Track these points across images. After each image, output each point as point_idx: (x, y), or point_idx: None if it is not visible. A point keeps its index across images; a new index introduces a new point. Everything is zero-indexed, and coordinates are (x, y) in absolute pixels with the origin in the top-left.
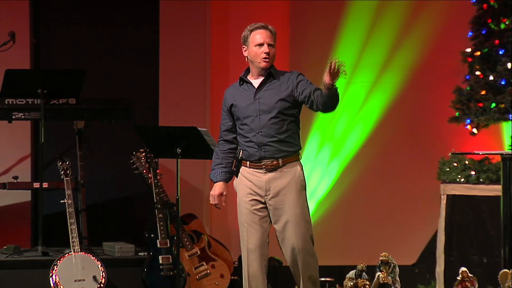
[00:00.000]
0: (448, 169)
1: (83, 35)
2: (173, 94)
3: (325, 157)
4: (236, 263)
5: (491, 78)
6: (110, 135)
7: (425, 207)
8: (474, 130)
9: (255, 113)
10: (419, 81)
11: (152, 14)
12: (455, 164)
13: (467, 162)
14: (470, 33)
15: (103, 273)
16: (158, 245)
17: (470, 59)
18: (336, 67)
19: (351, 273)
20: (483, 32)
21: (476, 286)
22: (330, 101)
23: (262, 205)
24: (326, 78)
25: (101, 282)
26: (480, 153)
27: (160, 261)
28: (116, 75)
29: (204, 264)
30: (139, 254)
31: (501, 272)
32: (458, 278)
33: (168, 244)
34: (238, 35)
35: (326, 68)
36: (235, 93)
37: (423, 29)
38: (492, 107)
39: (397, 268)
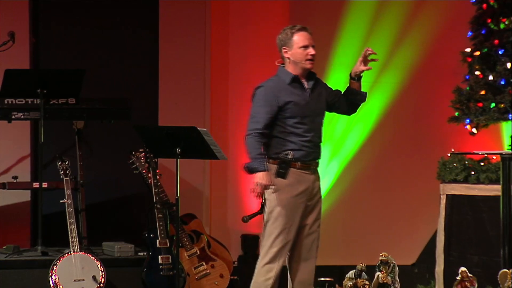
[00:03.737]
0: (448, 169)
1: (83, 35)
2: (172, 94)
3: (325, 157)
4: (236, 263)
5: (490, 78)
6: (109, 135)
7: (425, 207)
8: (474, 130)
9: (312, 113)
10: (418, 81)
11: (151, 15)
12: (455, 164)
13: (466, 162)
14: (469, 33)
15: (103, 273)
16: (158, 245)
17: (469, 59)
18: (369, 55)
19: (351, 273)
20: (483, 32)
21: (476, 286)
22: (360, 94)
23: (305, 206)
24: (360, 65)
25: (101, 282)
26: (480, 153)
27: (160, 261)
28: (116, 75)
29: (204, 264)
30: (139, 254)
31: (500, 272)
32: (458, 278)
33: (168, 244)
34: (238, 35)
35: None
36: (287, 90)
37: (423, 29)
38: (491, 107)
39: (397, 268)
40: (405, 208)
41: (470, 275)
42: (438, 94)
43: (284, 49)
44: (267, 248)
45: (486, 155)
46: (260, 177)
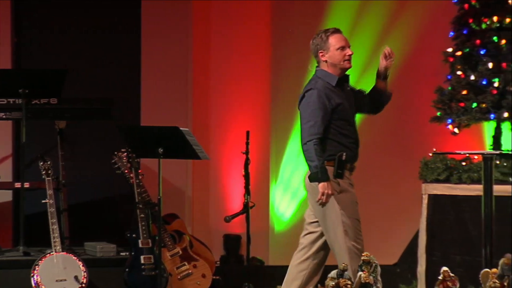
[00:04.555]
0: (430, 169)
1: (65, 35)
2: (155, 94)
3: None
4: (218, 263)
5: (472, 78)
6: (92, 135)
7: (407, 206)
8: (456, 130)
9: (353, 114)
10: (400, 81)
11: (134, 15)
12: (437, 164)
13: (448, 162)
14: (451, 33)
15: (85, 273)
16: (140, 245)
17: (451, 59)
18: (389, 53)
19: (333, 273)
20: (465, 32)
21: (458, 285)
22: (385, 95)
23: None
24: (382, 62)
25: (83, 282)
26: (462, 153)
27: (142, 261)
28: (98, 75)
29: (186, 264)
30: (121, 254)
31: (482, 271)
32: (440, 277)
33: (150, 244)
34: (220, 36)
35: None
36: (335, 92)
37: (405, 29)
38: (473, 107)
39: (379, 268)
40: (387, 208)
41: (452, 274)
42: (420, 94)
43: (321, 52)
44: (342, 245)
45: (468, 155)
46: (325, 187)
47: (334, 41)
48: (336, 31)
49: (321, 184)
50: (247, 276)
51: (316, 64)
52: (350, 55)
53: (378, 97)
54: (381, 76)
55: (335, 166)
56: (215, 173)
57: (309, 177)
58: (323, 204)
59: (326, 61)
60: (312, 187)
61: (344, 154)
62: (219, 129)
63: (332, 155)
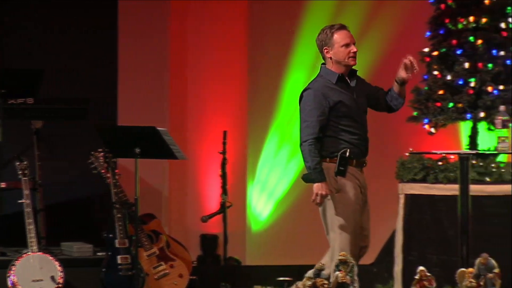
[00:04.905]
0: (406, 169)
1: (41, 34)
2: (132, 94)
3: (284, 157)
4: (195, 262)
5: (448, 77)
6: (68, 135)
7: (384, 206)
8: (432, 130)
9: (359, 110)
10: (377, 81)
11: (111, 14)
12: (414, 164)
13: (425, 162)
14: (428, 33)
15: (61, 273)
16: (117, 245)
17: (428, 59)
18: (411, 63)
19: (310, 273)
20: (441, 32)
21: (434, 285)
22: (396, 100)
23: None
24: (402, 73)
25: (59, 282)
26: (438, 153)
27: (119, 261)
28: (75, 74)
29: (163, 264)
30: (98, 254)
31: (458, 271)
32: (416, 277)
33: (127, 244)
34: (197, 35)
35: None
36: (334, 90)
37: (381, 29)
38: (450, 106)
39: (356, 268)
40: None
41: (428, 274)
42: None
43: (326, 49)
44: (339, 244)
45: (444, 155)
46: (319, 188)
47: (339, 37)
48: (342, 27)
49: (315, 185)
50: (224, 276)
51: (323, 61)
52: (354, 52)
53: (390, 99)
54: (398, 81)
55: (337, 163)
56: (192, 173)
57: (302, 177)
58: (318, 205)
59: (330, 58)
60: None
61: (348, 151)
62: (196, 129)
63: (335, 153)
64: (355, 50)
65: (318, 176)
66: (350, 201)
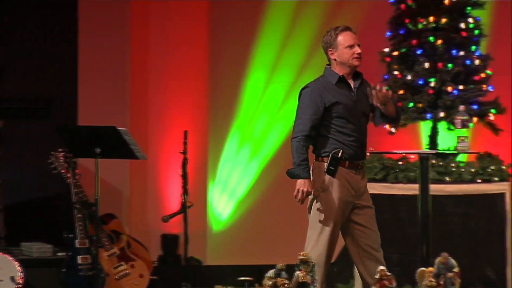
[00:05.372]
0: (367, 168)
1: (1, 33)
2: (92, 93)
3: (245, 157)
4: (156, 263)
5: (409, 77)
6: (29, 135)
7: None
8: (393, 130)
9: (358, 113)
10: None
11: (71, 14)
12: (374, 163)
13: (385, 161)
14: (388, 33)
15: (21, 274)
16: (77, 245)
17: (388, 59)
18: (382, 96)
19: (270, 272)
20: (401, 32)
21: (394, 284)
22: (390, 117)
23: (352, 206)
24: (375, 101)
25: (19, 282)
26: (398, 152)
27: (79, 261)
28: (35, 74)
29: (123, 264)
30: (58, 254)
31: (418, 270)
32: (377, 276)
33: (87, 244)
34: (158, 35)
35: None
36: (332, 91)
37: None
38: (410, 106)
39: (317, 267)
40: None
41: (389, 273)
42: None
43: (330, 50)
44: (313, 243)
45: (404, 155)
46: (301, 184)
47: (343, 39)
48: (346, 29)
49: (298, 181)
50: (184, 276)
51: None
52: (359, 53)
53: (383, 115)
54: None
55: (328, 162)
56: (153, 173)
57: (286, 172)
58: (299, 202)
59: (335, 59)
60: (312, 180)
61: (340, 151)
62: (157, 128)
63: (326, 152)
64: (359, 51)
65: (302, 172)
66: (333, 201)
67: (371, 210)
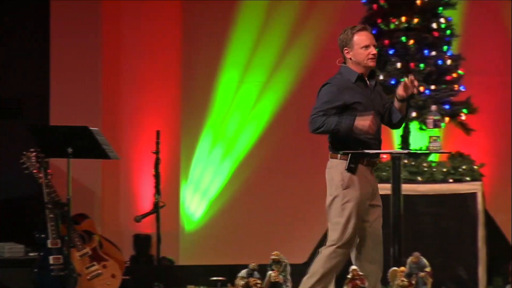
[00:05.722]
0: None
1: None
2: (64, 93)
3: (218, 156)
4: (128, 262)
5: (381, 77)
6: (0, 135)
7: (317, 206)
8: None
9: (375, 111)
10: (310, 81)
11: (42, 14)
12: None
13: None
14: None
15: None
16: (49, 245)
17: None
18: (411, 83)
19: (243, 272)
20: (373, 32)
21: (366, 284)
22: (400, 113)
23: (368, 203)
24: (400, 90)
25: None
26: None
27: (51, 261)
28: (6, 74)
29: (96, 264)
30: (29, 254)
31: (390, 270)
32: (349, 276)
33: (59, 244)
34: (130, 35)
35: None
36: (352, 89)
37: (314, 29)
38: None
39: (289, 267)
40: (297, 206)
41: (361, 273)
42: None
43: (346, 50)
44: (338, 237)
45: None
46: (363, 124)
47: (359, 39)
48: (363, 29)
49: (355, 127)
50: (157, 276)
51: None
52: (374, 54)
53: (391, 113)
54: (398, 98)
55: (348, 160)
56: (125, 172)
57: (335, 135)
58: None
59: (350, 59)
60: (328, 179)
61: (360, 149)
62: (130, 128)
63: (346, 149)
64: (374, 52)
65: (347, 121)
66: (357, 197)
67: (380, 210)
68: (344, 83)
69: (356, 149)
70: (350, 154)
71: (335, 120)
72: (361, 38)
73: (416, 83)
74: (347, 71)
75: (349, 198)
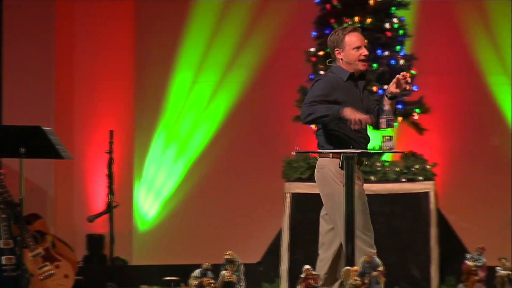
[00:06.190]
0: (293, 168)
1: None
2: (17, 93)
3: (171, 156)
4: (81, 263)
5: None
6: None
7: (270, 205)
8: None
9: (363, 111)
10: (264, 81)
11: None
12: (299, 163)
13: (311, 161)
14: (314, 33)
15: None
16: (1, 246)
17: (314, 59)
18: (405, 80)
19: (196, 272)
20: (327, 32)
21: (320, 283)
22: (382, 114)
23: None
24: (392, 87)
25: None
26: (324, 152)
27: (3, 262)
28: None
29: (48, 264)
30: None
31: (343, 269)
32: (302, 275)
33: (12, 245)
34: (84, 35)
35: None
36: (343, 88)
37: (268, 29)
38: None
39: (242, 267)
40: (250, 207)
41: (314, 273)
42: (283, 93)
43: (337, 50)
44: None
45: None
46: (349, 113)
47: (350, 40)
48: (354, 30)
49: (344, 112)
50: (110, 276)
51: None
52: (365, 55)
53: (381, 113)
54: (388, 95)
55: (341, 157)
56: (78, 172)
57: (324, 122)
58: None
59: (341, 59)
60: (320, 178)
61: (351, 147)
62: (83, 128)
63: (339, 148)
64: (366, 53)
65: (337, 107)
66: (358, 192)
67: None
68: (336, 81)
69: (347, 148)
70: (341, 154)
71: (324, 107)
72: (353, 39)
73: (409, 79)
74: (339, 70)
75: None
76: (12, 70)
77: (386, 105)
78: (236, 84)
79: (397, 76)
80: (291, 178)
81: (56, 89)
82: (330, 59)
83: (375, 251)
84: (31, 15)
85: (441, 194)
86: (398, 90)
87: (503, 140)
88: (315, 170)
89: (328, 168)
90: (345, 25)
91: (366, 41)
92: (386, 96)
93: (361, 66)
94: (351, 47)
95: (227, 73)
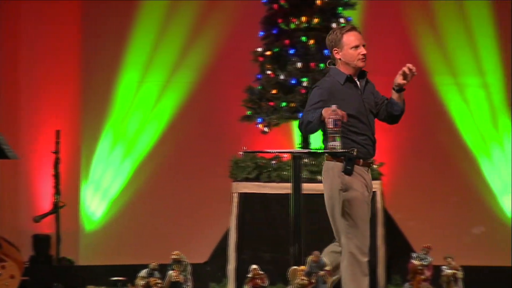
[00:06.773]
0: (240, 167)
1: None
2: None
3: (118, 156)
4: (27, 263)
5: (282, 77)
6: None
7: (217, 205)
8: (266, 129)
9: (367, 111)
10: (211, 81)
11: None
12: (247, 163)
13: (258, 161)
14: (261, 33)
15: None
16: None
17: (261, 59)
18: (410, 71)
19: (143, 272)
20: (274, 32)
21: (267, 283)
22: (396, 105)
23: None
24: (399, 79)
25: None
26: (271, 152)
27: None
28: None
29: None
30: None
31: (290, 269)
32: (249, 275)
33: None
34: (29, 35)
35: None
36: (341, 91)
37: (215, 29)
38: (282, 106)
39: (189, 267)
40: (197, 206)
41: (261, 272)
42: (231, 93)
43: (335, 50)
44: (351, 237)
45: (277, 154)
46: (327, 113)
47: (348, 39)
48: (352, 29)
49: (324, 114)
50: (56, 276)
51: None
52: (364, 54)
53: (390, 107)
54: (395, 88)
55: (344, 162)
56: (24, 172)
57: (302, 127)
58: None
59: (340, 59)
60: (326, 179)
61: (355, 150)
62: (29, 128)
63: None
64: (364, 52)
65: (315, 114)
66: (358, 199)
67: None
68: (333, 85)
69: (352, 150)
70: (346, 156)
71: (311, 113)
72: (351, 39)
73: (415, 70)
74: (336, 73)
75: (350, 200)
76: None
77: (394, 98)
78: (183, 84)
79: (403, 68)
80: (239, 178)
81: (1, 89)
82: (329, 60)
83: (367, 259)
84: None
85: (388, 193)
86: (405, 81)
87: (449, 140)
88: (322, 171)
89: (333, 171)
90: (292, 25)
91: (364, 41)
92: (394, 89)
93: (360, 63)
94: (349, 47)
95: (174, 73)
